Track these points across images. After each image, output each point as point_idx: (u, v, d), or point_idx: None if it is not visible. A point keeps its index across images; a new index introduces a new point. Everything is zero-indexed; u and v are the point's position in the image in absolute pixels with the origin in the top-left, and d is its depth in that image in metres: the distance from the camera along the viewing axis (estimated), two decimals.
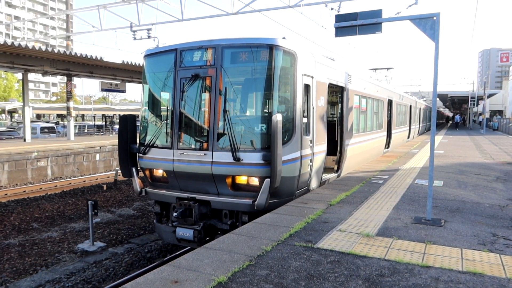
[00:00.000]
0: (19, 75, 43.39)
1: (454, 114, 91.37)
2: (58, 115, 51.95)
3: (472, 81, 61.51)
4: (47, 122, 41.27)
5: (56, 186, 15.43)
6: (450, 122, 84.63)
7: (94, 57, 19.04)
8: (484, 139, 24.72)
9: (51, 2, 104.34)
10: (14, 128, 31.71)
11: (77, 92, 76.76)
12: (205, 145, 6.72)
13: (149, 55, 7.59)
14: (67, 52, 18.68)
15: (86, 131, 36.32)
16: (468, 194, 7.61)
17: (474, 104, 51.57)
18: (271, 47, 6.48)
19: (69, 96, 23.53)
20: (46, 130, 29.49)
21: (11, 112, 47.51)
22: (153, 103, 7.70)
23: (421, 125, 29.71)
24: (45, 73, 21.59)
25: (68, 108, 23.27)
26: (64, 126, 31.02)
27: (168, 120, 7.18)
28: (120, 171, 7.82)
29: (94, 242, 8.84)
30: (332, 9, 15.77)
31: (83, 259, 8.10)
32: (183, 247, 8.09)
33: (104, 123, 45.32)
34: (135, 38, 18.97)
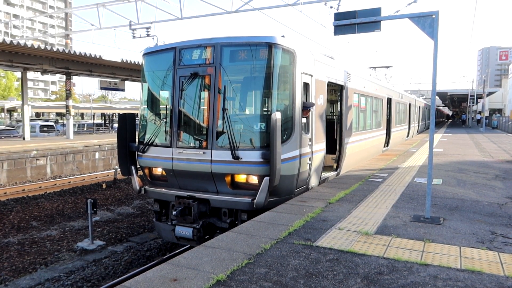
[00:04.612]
0: (18, 74, 43.29)
1: (455, 112, 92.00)
2: (57, 114, 51.92)
3: (471, 80, 61.42)
4: (46, 120, 41.26)
5: (55, 184, 15.42)
6: (450, 120, 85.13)
7: (93, 56, 19.01)
8: (483, 138, 24.73)
9: (50, 1, 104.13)
10: (13, 127, 31.70)
11: (77, 91, 76.71)
12: (204, 143, 6.72)
13: (148, 54, 7.58)
14: (66, 51, 18.64)
15: (85, 129, 36.29)
16: (467, 192, 7.62)
17: (473, 103, 51.55)
18: (270, 46, 6.47)
19: (68, 94, 23.50)
20: (45, 129, 29.48)
21: (10, 111, 47.45)
22: (152, 102, 7.69)
23: (420, 123, 29.70)
24: (44, 72, 21.55)
25: (67, 107, 23.25)
26: (63, 125, 31.02)
27: (167, 119, 7.18)
28: (119, 169, 7.82)
29: (93, 240, 8.84)
30: (331, 7, 15.75)
31: (82, 258, 8.11)
32: (182, 246, 8.09)
33: (103, 121, 45.30)
34: (134, 37, 18.93)
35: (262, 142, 6.44)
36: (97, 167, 19.63)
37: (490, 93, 55.93)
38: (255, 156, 6.35)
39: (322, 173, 8.40)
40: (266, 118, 6.48)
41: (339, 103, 9.74)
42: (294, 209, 6.12)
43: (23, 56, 18.62)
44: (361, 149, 11.22)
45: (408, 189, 7.79)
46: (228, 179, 6.64)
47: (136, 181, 7.53)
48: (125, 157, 7.58)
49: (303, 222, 5.37)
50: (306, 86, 7.18)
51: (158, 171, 7.41)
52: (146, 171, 7.59)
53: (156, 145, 7.25)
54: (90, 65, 22.06)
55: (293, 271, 3.79)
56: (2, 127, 33.51)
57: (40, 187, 14.89)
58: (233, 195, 6.63)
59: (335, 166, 9.54)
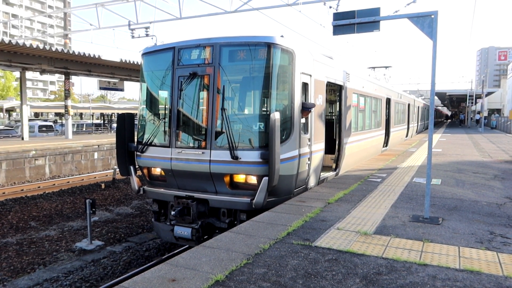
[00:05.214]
0: (17, 74, 43.24)
1: (454, 112, 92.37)
2: (56, 114, 51.85)
3: (470, 80, 61.52)
4: (45, 120, 41.23)
5: (54, 184, 15.40)
6: (449, 120, 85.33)
7: (92, 56, 18.98)
8: (482, 138, 24.76)
9: (49, 0, 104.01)
10: (12, 127, 31.65)
11: (76, 91, 76.73)
12: (203, 143, 6.72)
13: (147, 53, 7.57)
14: (65, 51, 18.61)
15: (84, 129, 36.26)
16: (466, 192, 7.62)
17: (472, 103, 51.60)
18: (269, 46, 6.46)
19: (67, 94, 23.46)
20: (44, 129, 29.46)
21: (9, 111, 47.38)
22: (151, 102, 7.68)
23: (419, 123, 29.73)
24: (43, 72, 21.51)
25: (66, 107, 23.21)
26: (62, 125, 30.96)
27: (166, 119, 7.17)
28: (118, 169, 7.81)
29: (92, 240, 8.83)
30: (330, 7, 15.73)
31: (81, 258, 8.09)
32: (181, 246, 8.08)
33: (102, 121, 45.29)
34: (133, 37, 18.90)
35: (261, 142, 6.44)
36: (96, 167, 19.61)
37: (489, 93, 55.95)
38: (254, 156, 6.35)
39: (321, 173, 8.40)
40: (265, 118, 6.47)
41: (338, 103, 9.74)
42: (293, 209, 6.12)
43: (22, 56, 18.58)
44: (360, 149, 11.22)
45: (407, 189, 7.79)
46: (227, 179, 6.63)
47: (135, 181, 7.52)
48: (124, 157, 7.57)
49: (302, 222, 5.36)
50: (305, 86, 7.18)
51: (157, 171, 7.40)
52: (145, 171, 7.58)
53: (155, 145, 7.24)
54: (89, 65, 22.02)
55: (292, 271, 3.79)
56: (1, 127, 33.46)
57: (39, 187, 14.87)
58: (232, 195, 6.63)
59: (334, 166, 9.54)
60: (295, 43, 6.91)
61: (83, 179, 16.72)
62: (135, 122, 8.02)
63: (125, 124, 7.54)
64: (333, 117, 11.19)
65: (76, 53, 18.55)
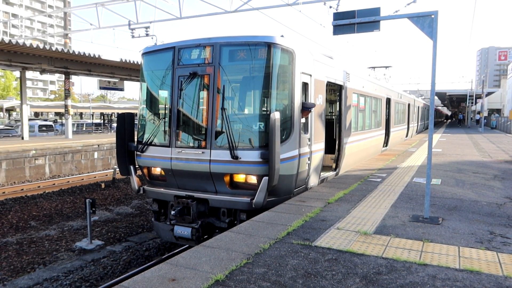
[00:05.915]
0: (17, 73, 43.21)
1: (454, 112, 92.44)
2: (56, 113, 51.86)
3: (470, 80, 61.54)
4: (45, 120, 41.24)
5: (54, 184, 15.40)
6: (449, 120, 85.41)
7: (92, 55, 18.98)
8: (482, 138, 24.76)
9: (49, 0, 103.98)
10: (12, 126, 31.65)
11: (76, 90, 76.73)
12: (203, 143, 6.72)
13: (147, 53, 7.57)
14: (65, 50, 18.61)
15: (84, 129, 36.26)
16: (466, 192, 7.62)
17: (472, 103, 51.60)
18: (269, 45, 6.46)
19: (67, 94, 23.45)
20: (44, 128, 29.46)
21: (9, 110, 47.37)
22: (151, 101, 7.68)
23: (419, 123, 29.72)
24: (43, 71, 21.51)
25: (66, 106, 23.20)
26: (62, 124, 30.97)
27: (166, 118, 7.17)
28: (118, 169, 7.81)
29: (92, 240, 8.83)
30: (330, 7, 15.73)
31: (81, 257, 8.10)
32: (181, 245, 8.09)
33: (102, 121, 45.32)
34: (133, 36, 18.90)
35: (261, 142, 6.44)
36: (96, 166, 19.61)
37: (489, 93, 55.97)
38: (254, 156, 6.35)
39: (321, 173, 8.40)
40: (265, 118, 6.47)
41: (338, 103, 9.74)
42: (293, 209, 6.12)
43: (22, 55, 18.58)
44: (360, 149, 11.22)
45: (407, 189, 7.79)
46: (227, 179, 6.63)
47: (135, 181, 7.52)
48: (124, 157, 7.57)
49: (302, 222, 5.37)
50: (305, 86, 7.18)
51: (157, 170, 7.40)
52: (145, 170, 7.58)
53: (155, 145, 7.24)
54: (89, 65, 22.02)
55: (292, 271, 3.79)
56: (1, 126, 33.45)
57: (39, 186, 14.87)
58: (232, 195, 6.63)
59: (334, 166, 9.54)
60: (295, 43, 6.91)
61: (83, 179, 16.72)
62: (135, 122, 8.01)
63: (125, 124, 7.54)
64: (333, 117, 11.19)
65: (76, 53, 18.55)
